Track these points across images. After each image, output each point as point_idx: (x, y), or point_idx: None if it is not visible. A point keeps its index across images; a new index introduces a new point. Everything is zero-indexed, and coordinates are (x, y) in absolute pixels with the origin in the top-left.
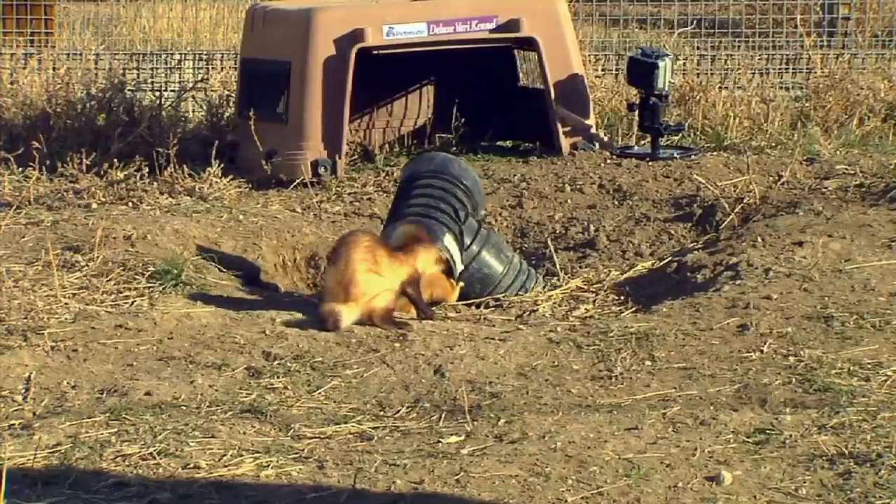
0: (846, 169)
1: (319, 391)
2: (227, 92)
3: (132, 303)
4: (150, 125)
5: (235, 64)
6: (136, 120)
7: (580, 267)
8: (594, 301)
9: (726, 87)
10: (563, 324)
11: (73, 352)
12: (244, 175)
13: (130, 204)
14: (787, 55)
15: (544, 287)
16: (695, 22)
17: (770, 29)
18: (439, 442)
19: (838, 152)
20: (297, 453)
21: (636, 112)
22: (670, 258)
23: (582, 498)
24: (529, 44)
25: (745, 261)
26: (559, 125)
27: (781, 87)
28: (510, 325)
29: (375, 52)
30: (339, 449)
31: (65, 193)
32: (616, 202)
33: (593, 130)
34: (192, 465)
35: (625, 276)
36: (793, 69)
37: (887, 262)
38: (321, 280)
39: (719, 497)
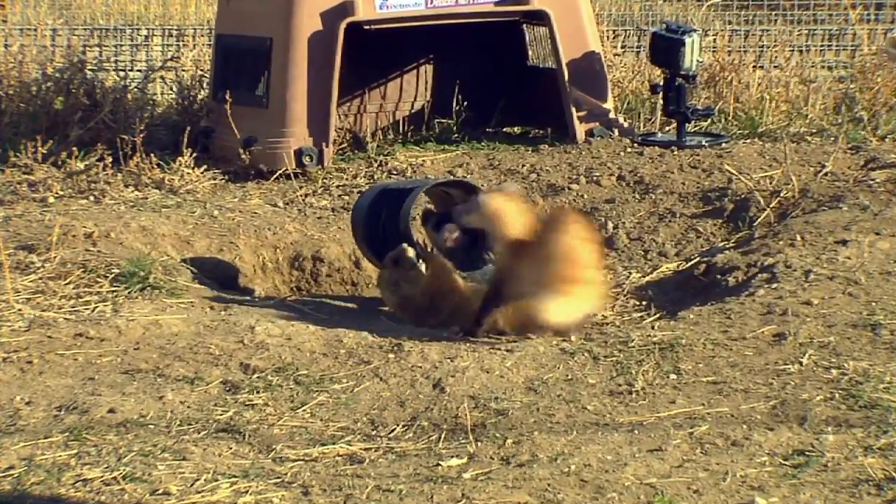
0: None
1: (304, 408)
2: (200, 72)
3: (94, 309)
4: (113, 109)
5: (209, 41)
6: (98, 103)
7: None
8: (612, 307)
9: (761, 67)
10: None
11: (28, 364)
12: (219, 165)
13: (92, 198)
14: (829, 31)
15: None
16: None
17: (811, 1)
18: (438, 465)
19: (887, 140)
20: (278, 478)
21: (660, 94)
22: (698, 259)
23: None
24: (540, 17)
25: (783, 262)
26: (573, 109)
27: (823, 67)
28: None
29: (367, 27)
30: (325, 473)
31: (18, 186)
32: (637, 196)
33: (612, 115)
34: (160, 492)
35: (647, 278)
36: (836, 46)
37: None
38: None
39: None
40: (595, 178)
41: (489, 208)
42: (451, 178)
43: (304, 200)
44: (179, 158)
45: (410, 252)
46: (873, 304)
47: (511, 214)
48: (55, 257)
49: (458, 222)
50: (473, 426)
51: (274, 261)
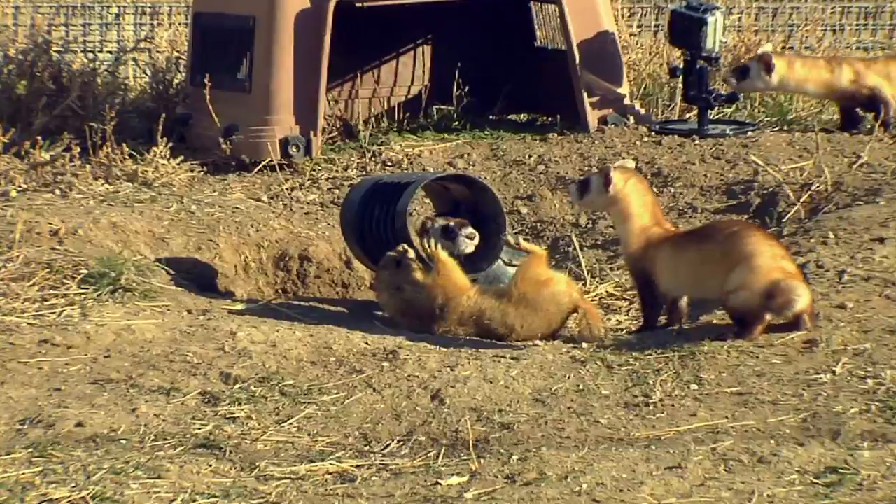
0: None
1: (290, 421)
2: (176, 54)
3: (60, 313)
4: (81, 95)
5: (187, 19)
6: (65, 88)
7: (611, 269)
8: (628, 311)
9: (791, 48)
10: None
11: None
12: (197, 156)
13: (58, 191)
14: (865, 8)
15: None
16: None
17: None
18: (437, 484)
19: None
20: (262, 498)
21: (680, 78)
22: None
23: None
24: None
25: (814, 261)
26: (585, 95)
27: (859, 48)
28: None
29: (359, 4)
30: (314, 492)
31: None
32: (655, 189)
33: (627, 101)
34: None
35: None
36: (873, 25)
37: None
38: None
39: None
40: None
41: (616, 188)
42: (452, 171)
43: (289, 194)
44: (154, 148)
45: (412, 252)
46: None
47: (640, 194)
48: (18, 256)
49: (574, 202)
50: (475, 441)
51: (257, 260)
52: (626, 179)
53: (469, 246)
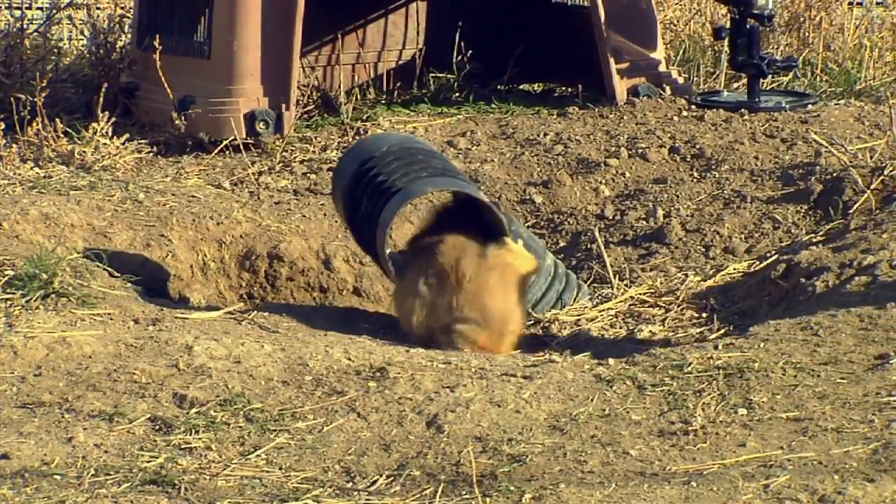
0: None
1: (258, 453)
2: (120, 11)
3: None
4: (6, 60)
5: None
6: None
7: (642, 270)
8: (663, 320)
9: (860, 4)
10: (617, 353)
11: None
12: (146, 134)
13: None
14: None
15: (590, 299)
16: None
17: None
18: None
19: None
20: None
21: (726, 40)
22: (776, 257)
23: None
24: None
25: (887, 260)
26: (612, 60)
27: None
28: (540, 356)
29: None
30: None
31: None
32: (696, 174)
33: (662, 68)
34: None
35: (708, 282)
36: None
37: None
38: None
39: None
40: (640, 150)
41: None
42: (452, 184)
43: (257, 180)
44: (93, 125)
45: None
46: None
47: None
48: None
49: None
50: (480, 476)
51: (218, 259)
52: None
53: None
